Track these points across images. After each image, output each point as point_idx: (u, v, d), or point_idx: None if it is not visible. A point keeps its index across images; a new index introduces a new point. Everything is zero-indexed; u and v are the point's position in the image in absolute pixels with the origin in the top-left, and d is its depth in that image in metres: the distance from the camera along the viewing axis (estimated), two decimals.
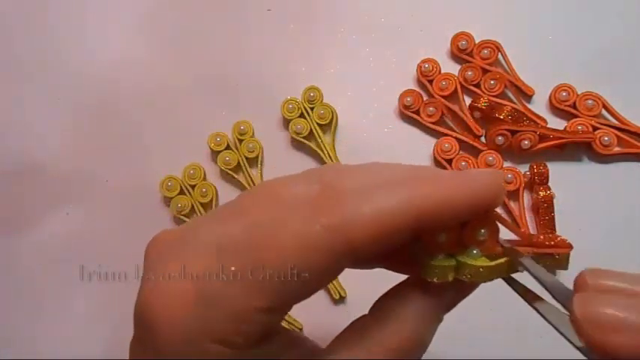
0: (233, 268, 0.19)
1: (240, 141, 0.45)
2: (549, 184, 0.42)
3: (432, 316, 0.22)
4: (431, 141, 0.44)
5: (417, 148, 0.44)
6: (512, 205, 0.42)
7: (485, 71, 0.44)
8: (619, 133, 0.42)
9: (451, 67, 0.45)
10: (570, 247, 0.22)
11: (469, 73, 0.44)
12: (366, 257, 0.19)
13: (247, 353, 0.20)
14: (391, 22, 0.47)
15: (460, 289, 0.23)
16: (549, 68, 0.45)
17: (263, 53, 0.48)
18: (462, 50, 0.45)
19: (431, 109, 0.44)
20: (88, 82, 0.48)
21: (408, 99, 0.44)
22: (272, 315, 0.20)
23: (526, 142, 0.42)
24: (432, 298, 0.22)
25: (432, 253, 0.21)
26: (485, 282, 0.22)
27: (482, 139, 0.44)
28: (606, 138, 0.42)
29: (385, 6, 0.48)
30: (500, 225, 0.22)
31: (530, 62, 0.45)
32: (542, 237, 0.22)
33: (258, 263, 0.19)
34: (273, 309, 0.19)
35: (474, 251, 0.22)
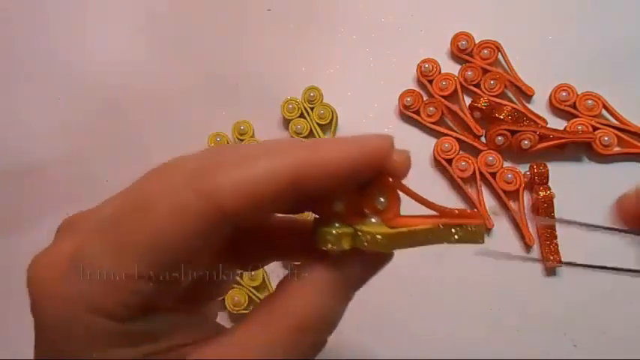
0: (107, 238, 0.19)
1: (240, 141, 0.45)
2: (549, 184, 0.42)
3: (334, 291, 0.21)
4: (431, 141, 0.44)
5: (417, 148, 0.44)
6: (513, 205, 0.42)
7: (485, 71, 0.44)
8: (619, 133, 0.42)
9: (451, 67, 0.45)
10: (482, 219, 0.22)
11: (469, 73, 0.44)
12: (242, 224, 0.19)
13: (129, 326, 0.19)
14: (391, 22, 0.47)
15: (366, 262, 0.22)
16: (549, 68, 0.45)
17: (263, 53, 0.48)
18: (462, 50, 0.45)
19: (431, 109, 0.44)
20: (88, 82, 0.48)
21: (408, 99, 0.44)
22: (150, 283, 0.19)
23: (526, 142, 0.42)
24: (334, 273, 0.21)
25: (328, 222, 0.21)
26: (389, 251, 0.22)
27: (483, 139, 0.44)
28: (606, 138, 0.42)
29: (385, 6, 0.48)
30: (406, 196, 0.21)
31: (530, 62, 0.45)
32: (453, 209, 0.21)
33: (131, 230, 0.19)
34: (148, 276, 0.19)
35: (373, 220, 0.21)
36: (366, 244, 0.20)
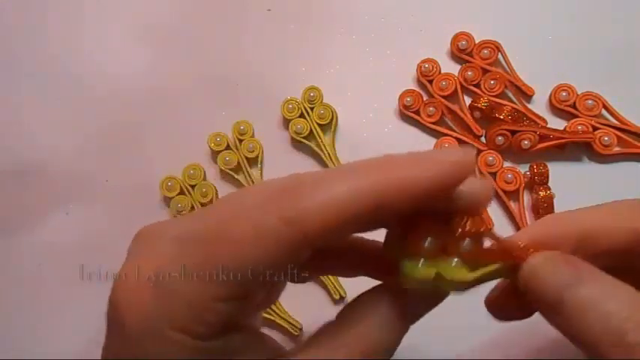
0: (191, 259, 0.20)
1: (240, 141, 0.45)
2: (549, 184, 0.42)
3: (397, 324, 0.22)
4: (431, 141, 0.44)
5: (417, 148, 0.43)
6: (513, 205, 0.42)
7: (485, 71, 0.44)
8: (619, 133, 0.42)
9: (451, 67, 0.45)
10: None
11: (469, 73, 0.44)
12: (323, 246, 0.20)
13: (209, 344, 0.20)
14: (391, 22, 0.47)
15: (431, 298, 0.23)
16: (549, 68, 0.45)
17: (263, 53, 0.48)
18: (462, 50, 0.45)
19: (431, 109, 0.44)
20: (88, 82, 0.48)
21: (408, 99, 0.44)
22: (231, 304, 0.20)
23: (526, 142, 0.42)
24: (400, 307, 0.22)
25: (413, 256, 0.21)
26: (463, 292, 0.22)
27: (482, 139, 0.44)
28: (606, 138, 0.42)
29: (385, 6, 0.48)
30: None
31: (530, 62, 0.45)
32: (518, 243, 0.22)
33: (215, 253, 0.20)
34: (230, 297, 0.20)
35: (455, 260, 0.21)
36: (447, 287, 0.21)
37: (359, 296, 0.23)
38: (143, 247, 0.22)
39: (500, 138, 0.43)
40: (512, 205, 0.42)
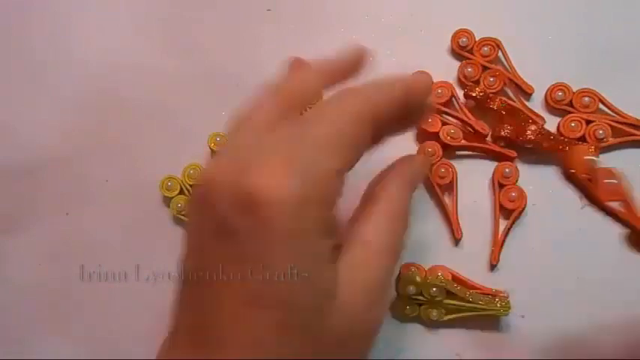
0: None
1: None
2: (549, 183, 0.42)
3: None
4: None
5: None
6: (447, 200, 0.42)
7: (485, 69, 0.44)
8: (613, 124, 0.42)
9: (451, 64, 0.45)
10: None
11: (469, 69, 0.44)
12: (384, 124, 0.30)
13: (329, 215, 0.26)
14: (391, 22, 0.47)
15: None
16: (549, 67, 0.45)
17: (263, 53, 0.48)
18: (462, 47, 0.45)
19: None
20: (88, 82, 0.48)
21: None
22: (341, 177, 0.27)
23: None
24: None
25: None
26: None
27: (488, 138, 0.44)
28: (600, 131, 0.42)
29: (385, 6, 0.48)
30: None
31: (529, 60, 0.45)
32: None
33: (339, 132, 0.27)
34: (342, 171, 0.27)
35: None
36: None
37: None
38: None
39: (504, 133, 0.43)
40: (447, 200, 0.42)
